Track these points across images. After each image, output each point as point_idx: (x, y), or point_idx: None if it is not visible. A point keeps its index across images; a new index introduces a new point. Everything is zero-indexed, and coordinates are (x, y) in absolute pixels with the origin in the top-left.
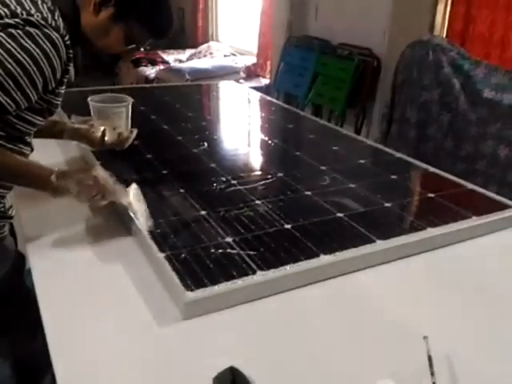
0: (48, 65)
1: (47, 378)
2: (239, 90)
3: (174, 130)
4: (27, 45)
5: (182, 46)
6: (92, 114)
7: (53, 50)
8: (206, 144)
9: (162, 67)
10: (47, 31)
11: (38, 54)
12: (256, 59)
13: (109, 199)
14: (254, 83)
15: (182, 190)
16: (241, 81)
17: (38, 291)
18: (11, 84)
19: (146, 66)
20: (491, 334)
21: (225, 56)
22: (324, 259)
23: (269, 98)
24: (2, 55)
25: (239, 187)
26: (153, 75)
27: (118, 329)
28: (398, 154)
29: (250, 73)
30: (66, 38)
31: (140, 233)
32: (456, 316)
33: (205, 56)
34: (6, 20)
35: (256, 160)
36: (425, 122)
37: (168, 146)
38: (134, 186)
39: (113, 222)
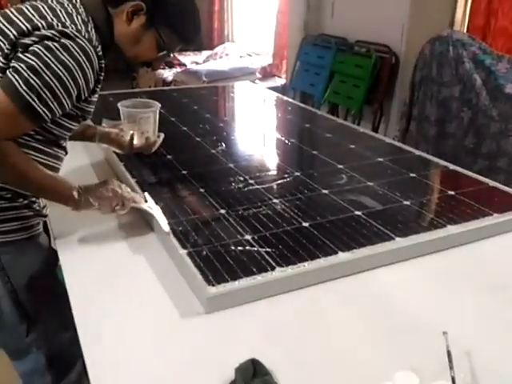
0: (82, 75)
1: (78, 365)
2: (255, 90)
3: (192, 131)
4: (63, 57)
5: (198, 48)
6: (122, 118)
7: (86, 61)
8: (223, 145)
9: (179, 69)
10: (81, 42)
11: (73, 66)
12: (271, 59)
13: (129, 207)
14: (269, 83)
15: (201, 190)
16: (256, 81)
17: (68, 285)
18: (48, 94)
19: (163, 68)
20: (510, 333)
21: (240, 57)
22: (342, 256)
23: (285, 98)
24: (40, 67)
25: (257, 186)
26: (170, 77)
27: (144, 321)
28: (418, 152)
29: (266, 73)
30: (98, 48)
31: (163, 231)
32: (475, 314)
33: (221, 57)
34: (43, 31)
35: (273, 159)
36: (445, 119)
37: (187, 147)
38: (146, 194)
39: (136, 219)
